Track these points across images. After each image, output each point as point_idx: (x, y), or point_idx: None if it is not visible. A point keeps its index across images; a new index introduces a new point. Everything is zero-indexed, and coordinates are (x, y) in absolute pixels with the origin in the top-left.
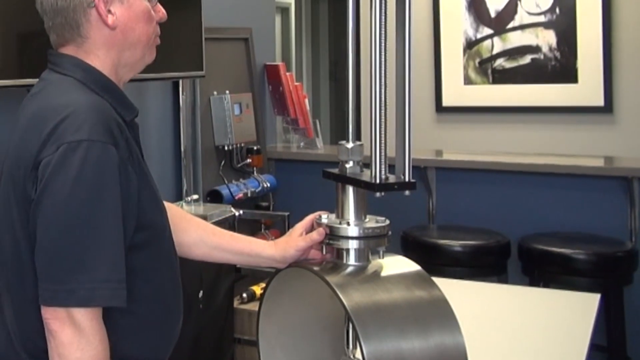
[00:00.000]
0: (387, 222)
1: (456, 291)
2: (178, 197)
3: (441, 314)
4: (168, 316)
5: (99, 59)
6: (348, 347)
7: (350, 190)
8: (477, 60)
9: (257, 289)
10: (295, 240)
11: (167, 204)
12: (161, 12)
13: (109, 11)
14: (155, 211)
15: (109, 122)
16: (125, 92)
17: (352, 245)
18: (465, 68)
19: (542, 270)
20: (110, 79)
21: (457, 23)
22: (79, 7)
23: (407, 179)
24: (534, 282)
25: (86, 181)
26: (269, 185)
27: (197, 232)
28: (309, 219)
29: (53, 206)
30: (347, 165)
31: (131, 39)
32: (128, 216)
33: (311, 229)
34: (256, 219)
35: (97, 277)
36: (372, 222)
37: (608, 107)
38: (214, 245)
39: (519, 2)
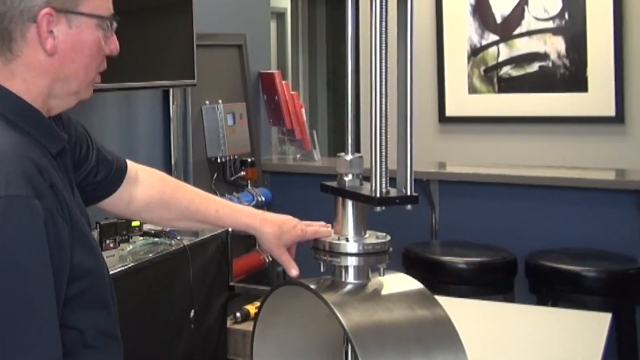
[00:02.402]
0: (388, 237)
1: (460, 310)
2: None
3: (444, 335)
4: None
5: (25, 83)
6: None
7: (349, 204)
8: (482, 68)
9: (252, 308)
10: (294, 230)
11: (150, 173)
12: (114, 45)
13: (51, 32)
14: (90, 258)
15: (29, 170)
16: (113, 100)
17: (352, 262)
18: (470, 76)
19: (550, 288)
20: (33, 106)
21: (461, 29)
22: (18, 18)
23: (408, 193)
24: (541, 300)
25: (8, 249)
26: (263, 199)
27: (179, 207)
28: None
29: None
30: (346, 179)
31: (67, 70)
32: (61, 274)
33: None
34: (250, 234)
35: (37, 358)
36: (373, 238)
37: (619, 118)
38: (199, 220)
39: (526, 7)
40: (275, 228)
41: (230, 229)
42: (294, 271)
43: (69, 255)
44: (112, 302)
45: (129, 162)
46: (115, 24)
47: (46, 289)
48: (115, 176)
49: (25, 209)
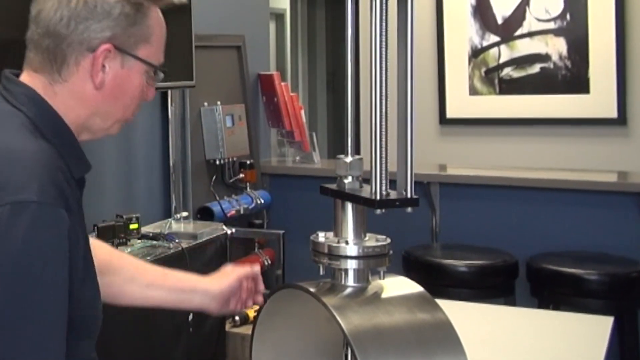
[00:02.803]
0: (388, 240)
1: (461, 314)
2: (166, 215)
3: (445, 338)
4: None
5: (65, 107)
6: None
7: (348, 207)
8: (483, 70)
9: (250, 312)
10: (233, 270)
11: (96, 242)
12: (152, 93)
13: (103, 67)
14: (93, 287)
15: (60, 181)
16: None
17: (351, 265)
18: (471, 78)
19: (551, 291)
20: (68, 127)
21: (462, 30)
22: (77, 46)
23: (409, 195)
24: (543, 304)
25: (33, 255)
26: (262, 201)
27: (129, 270)
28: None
29: None
30: (346, 181)
31: (108, 107)
32: (73, 292)
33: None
34: (249, 237)
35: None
36: (372, 240)
37: (622, 119)
38: (147, 283)
39: (527, 8)
40: (211, 293)
41: (230, 232)
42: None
43: (81, 277)
44: (98, 328)
45: None
46: (161, 76)
47: (61, 301)
48: None
49: (55, 218)
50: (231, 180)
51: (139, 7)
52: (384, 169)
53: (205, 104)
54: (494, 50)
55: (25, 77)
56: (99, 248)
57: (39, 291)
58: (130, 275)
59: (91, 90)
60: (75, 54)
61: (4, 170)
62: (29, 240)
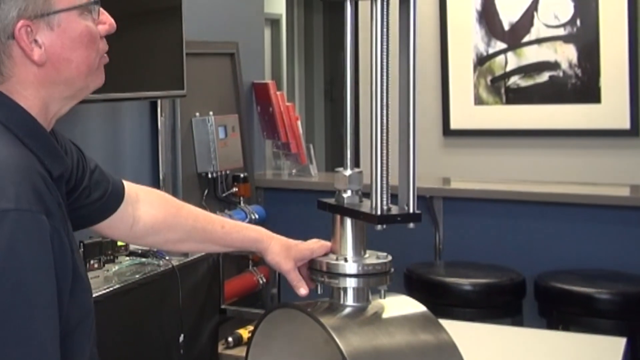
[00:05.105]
0: (389, 258)
1: (466, 335)
2: None
3: None
4: None
5: (26, 99)
6: None
7: (348, 222)
8: (489, 78)
9: (245, 332)
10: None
11: (152, 191)
12: (108, 22)
13: (35, 42)
14: (83, 289)
15: (39, 186)
16: (97, 112)
17: (351, 283)
18: (476, 87)
19: (561, 311)
20: (39, 124)
21: (467, 36)
22: None
23: (411, 210)
24: (552, 324)
25: (15, 265)
26: (257, 216)
27: (186, 226)
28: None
29: None
30: (345, 195)
31: (67, 72)
32: (64, 298)
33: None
34: (243, 254)
35: None
36: (373, 258)
37: (634, 130)
38: (206, 239)
39: (535, 14)
40: (283, 242)
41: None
42: (302, 290)
43: (70, 281)
44: (92, 323)
45: (128, 183)
46: (98, 5)
47: (50, 310)
48: (112, 198)
49: (34, 224)
50: (224, 195)
51: None
52: (384, 182)
53: (197, 114)
54: (501, 57)
55: None
56: (152, 199)
57: (26, 299)
58: (187, 232)
59: (39, 70)
60: (1, 50)
61: None
62: (11, 249)
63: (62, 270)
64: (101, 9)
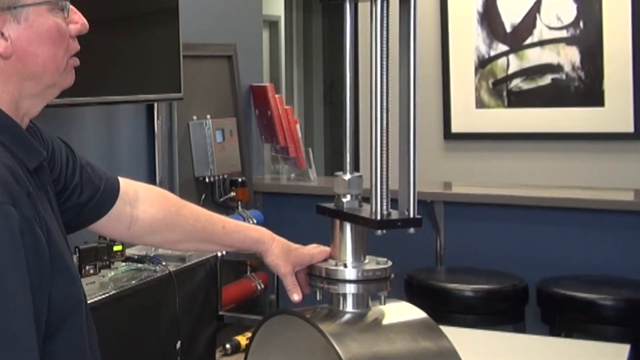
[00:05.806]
0: (390, 263)
1: (467, 342)
2: None
3: None
4: None
5: None
6: None
7: (347, 227)
8: (491, 81)
9: (242, 339)
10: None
11: (153, 189)
12: (80, 22)
13: (1, 34)
14: (68, 280)
15: (4, 176)
16: (93, 116)
17: (350, 289)
18: (477, 89)
19: (564, 317)
20: (10, 117)
21: (468, 38)
22: None
23: (411, 215)
24: (554, 331)
25: None
26: (255, 221)
27: (186, 226)
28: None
29: None
30: (344, 200)
31: (33, 67)
32: (42, 286)
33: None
34: (241, 260)
35: None
36: (373, 263)
37: (638, 134)
38: (202, 240)
39: (538, 15)
40: (284, 244)
41: (220, 254)
42: (295, 296)
43: (49, 272)
44: (81, 303)
45: (125, 181)
46: (68, 3)
47: (23, 302)
48: (105, 196)
49: (0, 216)
50: (222, 199)
51: None
52: (384, 187)
53: (194, 117)
54: (502, 60)
55: None
56: (152, 197)
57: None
58: (187, 232)
59: (5, 63)
60: None
61: None
62: None
63: (36, 261)
64: (74, 9)
